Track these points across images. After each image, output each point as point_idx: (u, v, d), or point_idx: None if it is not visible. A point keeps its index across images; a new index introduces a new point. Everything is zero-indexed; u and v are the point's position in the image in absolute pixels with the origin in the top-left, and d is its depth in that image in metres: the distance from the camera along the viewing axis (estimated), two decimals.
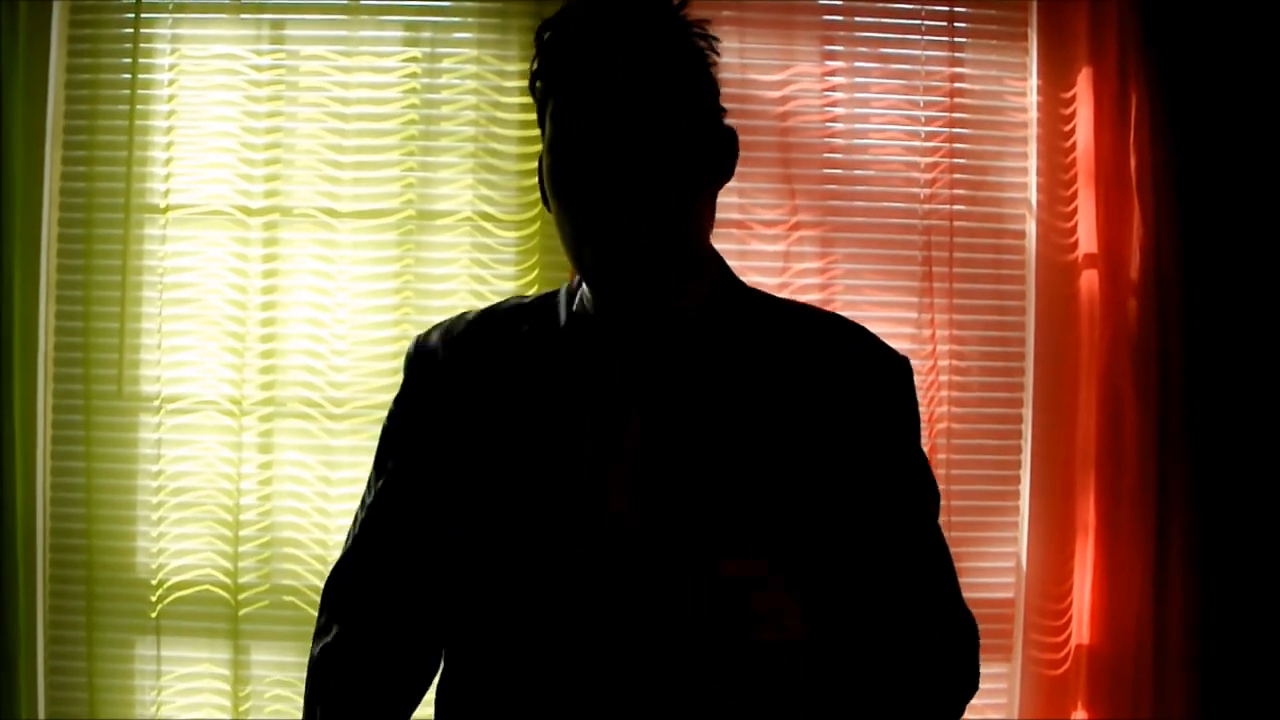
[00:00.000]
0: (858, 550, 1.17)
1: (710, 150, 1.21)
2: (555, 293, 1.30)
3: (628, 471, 1.16)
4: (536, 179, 1.24)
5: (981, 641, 2.60)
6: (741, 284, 1.29)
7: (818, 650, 1.13)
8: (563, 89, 1.16)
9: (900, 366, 1.26)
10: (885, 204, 2.60)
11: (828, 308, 2.53)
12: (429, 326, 1.33)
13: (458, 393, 1.25)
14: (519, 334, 1.25)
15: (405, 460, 1.28)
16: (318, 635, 1.29)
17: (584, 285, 1.25)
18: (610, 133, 1.12)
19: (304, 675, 2.68)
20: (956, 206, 2.58)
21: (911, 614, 1.19)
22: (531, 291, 2.48)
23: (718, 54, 1.22)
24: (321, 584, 2.63)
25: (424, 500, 1.25)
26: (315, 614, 2.63)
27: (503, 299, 1.35)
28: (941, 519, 1.31)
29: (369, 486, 1.31)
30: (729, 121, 1.27)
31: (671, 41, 1.17)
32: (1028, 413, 2.59)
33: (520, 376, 1.23)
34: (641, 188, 1.13)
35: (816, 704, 1.14)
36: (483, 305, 1.35)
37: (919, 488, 1.26)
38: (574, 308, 1.25)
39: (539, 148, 1.21)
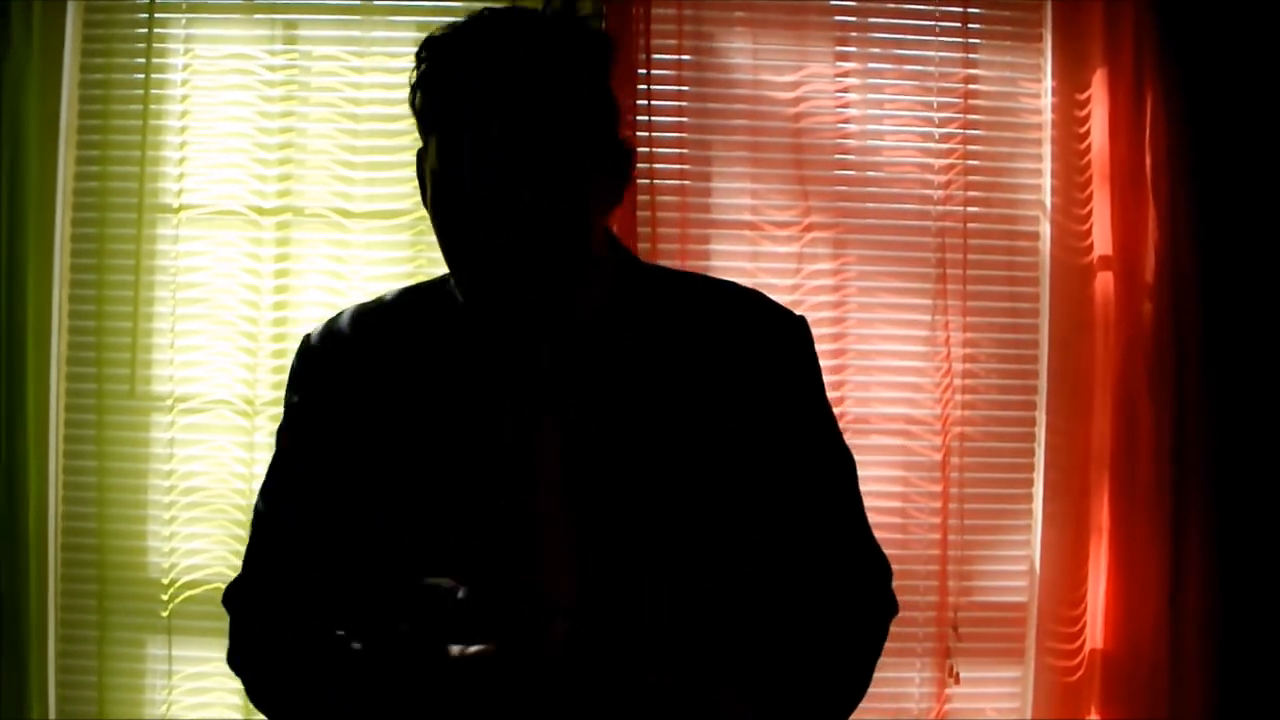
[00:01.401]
0: (768, 510, 1.22)
1: (605, 172, 1.17)
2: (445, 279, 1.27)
3: (550, 470, 1.17)
4: (417, 177, 1.20)
5: (994, 645, 2.59)
6: (638, 264, 1.29)
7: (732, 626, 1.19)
8: (448, 117, 1.12)
9: (796, 324, 1.27)
10: (898, 205, 2.59)
11: (841, 310, 2.54)
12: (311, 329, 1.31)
13: (352, 386, 1.23)
14: (418, 322, 1.24)
15: (299, 462, 1.26)
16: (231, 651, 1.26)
17: None
18: (499, 171, 1.09)
19: None
20: (970, 208, 2.57)
21: (822, 561, 1.24)
22: None
23: (611, 58, 1.17)
24: None
25: (325, 497, 1.23)
26: None
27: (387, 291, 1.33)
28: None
29: (262, 494, 1.28)
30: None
31: (564, 63, 1.12)
32: (1041, 415, 2.57)
33: (423, 366, 1.22)
34: (531, 227, 1.10)
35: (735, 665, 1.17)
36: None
37: (823, 445, 1.28)
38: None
39: None
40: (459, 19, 1.16)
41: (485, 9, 1.16)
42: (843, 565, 1.26)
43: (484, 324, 1.20)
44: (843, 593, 1.25)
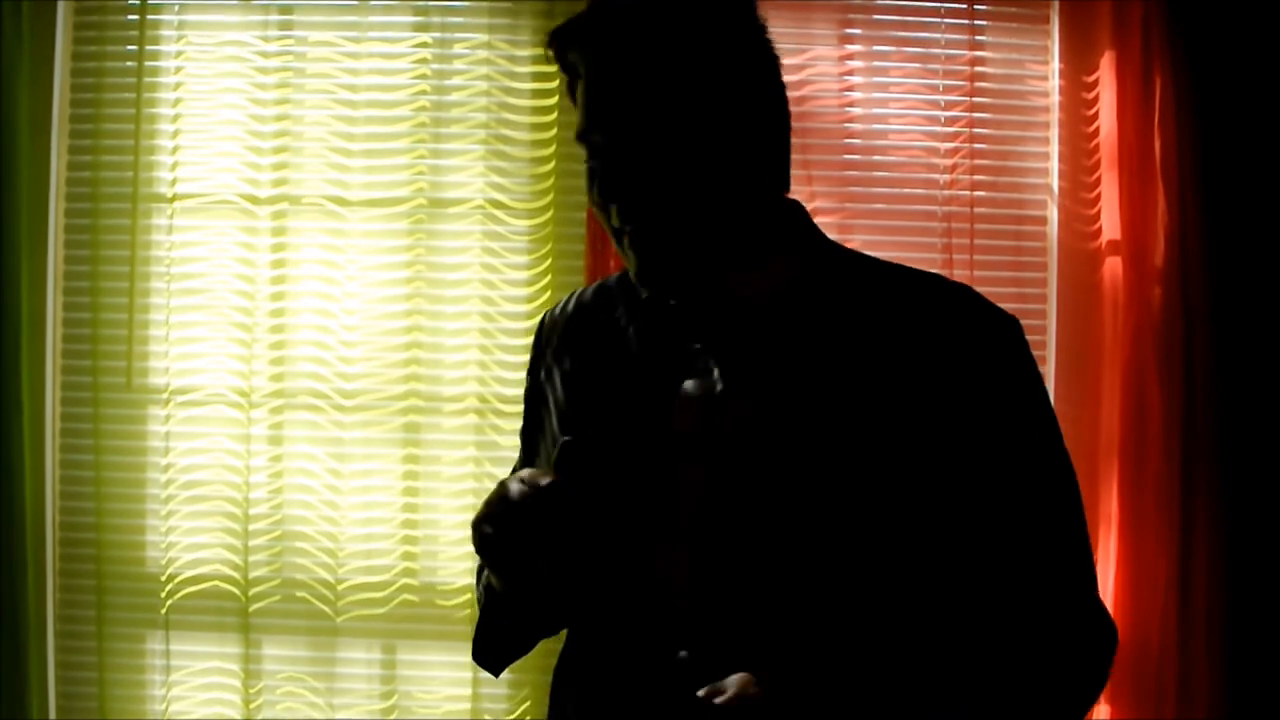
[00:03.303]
0: (959, 536, 1.09)
1: (744, 140, 1.12)
2: None
3: (690, 472, 1.12)
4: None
5: None
6: (833, 246, 1.21)
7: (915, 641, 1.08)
8: (580, 100, 1.12)
9: (1008, 325, 1.14)
10: (904, 190, 2.56)
11: None
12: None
13: (560, 366, 1.26)
14: (616, 310, 1.24)
15: (526, 433, 1.33)
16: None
17: None
18: (623, 128, 1.08)
19: (314, 670, 2.65)
20: (977, 193, 2.54)
21: (1032, 611, 1.09)
22: (544, 281, 2.46)
23: (750, 10, 1.13)
24: (332, 578, 2.61)
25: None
26: (325, 608, 2.61)
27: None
28: None
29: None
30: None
31: (680, 28, 1.10)
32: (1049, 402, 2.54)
33: (609, 354, 1.21)
34: (663, 182, 1.08)
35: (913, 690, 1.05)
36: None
37: (1035, 469, 1.13)
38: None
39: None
40: None
41: None
42: (1052, 620, 1.09)
43: (652, 308, 1.19)
44: (1045, 657, 1.08)
